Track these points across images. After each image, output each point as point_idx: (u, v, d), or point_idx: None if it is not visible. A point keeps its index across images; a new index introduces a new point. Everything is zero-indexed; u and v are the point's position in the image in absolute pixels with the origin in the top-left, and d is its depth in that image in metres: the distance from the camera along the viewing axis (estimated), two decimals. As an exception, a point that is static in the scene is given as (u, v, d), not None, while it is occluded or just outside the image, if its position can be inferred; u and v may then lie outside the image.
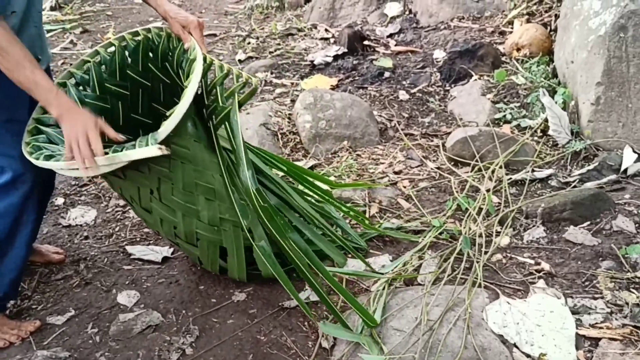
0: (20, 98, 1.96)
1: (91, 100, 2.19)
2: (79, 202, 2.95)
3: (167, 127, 1.80)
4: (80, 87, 2.20)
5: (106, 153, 1.79)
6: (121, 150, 1.78)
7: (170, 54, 2.19)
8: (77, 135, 1.77)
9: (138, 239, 2.65)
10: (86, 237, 2.68)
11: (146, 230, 2.70)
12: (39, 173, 1.97)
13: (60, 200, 2.94)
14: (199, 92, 2.03)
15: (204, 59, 2.01)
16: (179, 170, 1.98)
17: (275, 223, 2.01)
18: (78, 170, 1.84)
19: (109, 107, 2.25)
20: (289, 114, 3.65)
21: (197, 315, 2.18)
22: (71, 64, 3.41)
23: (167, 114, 1.83)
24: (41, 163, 1.86)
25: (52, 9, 5.99)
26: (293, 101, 3.80)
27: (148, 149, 1.74)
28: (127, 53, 2.26)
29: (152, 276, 2.40)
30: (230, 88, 2.02)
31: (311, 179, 2.56)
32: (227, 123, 2.04)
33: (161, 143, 1.77)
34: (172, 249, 2.55)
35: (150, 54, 2.26)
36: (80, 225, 2.77)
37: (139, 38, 2.24)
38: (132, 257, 2.52)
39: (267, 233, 2.06)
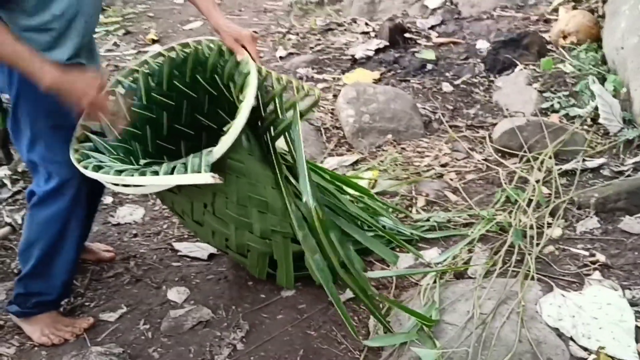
0: (67, 107, 1.99)
1: (138, 109, 2.20)
2: (127, 200, 2.99)
3: (224, 144, 1.79)
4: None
5: (156, 172, 1.79)
6: (171, 172, 1.77)
7: (220, 66, 2.19)
8: (80, 99, 1.83)
9: (185, 236, 2.67)
10: (135, 235, 2.71)
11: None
12: (86, 179, 1.99)
13: (108, 199, 2.98)
14: (254, 105, 2.02)
15: (259, 72, 2.01)
16: (233, 184, 1.99)
17: (330, 239, 2.00)
18: (129, 187, 1.88)
19: (155, 117, 2.26)
20: (332, 109, 3.63)
21: (246, 311, 2.18)
22: (116, 66, 3.48)
23: (225, 129, 1.81)
24: (90, 173, 1.88)
25: (103, 10, 6.09)
26: (335, 96, 3.78)
27: (201, 176, 1.71)
28: (175, 65, 2.26)
29: (201, 272, 2.42)
30: (290, 99, 2.01)
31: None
32: (287, 135, 2.04)
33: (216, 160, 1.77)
34: (219, 246, 2.57)
35: (199, 67, 2.26)
36: (129, 223, 2.80)
37: (189, 50, 2.25)
38: (179, 253, 2.55)
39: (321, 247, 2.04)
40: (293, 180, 2.14)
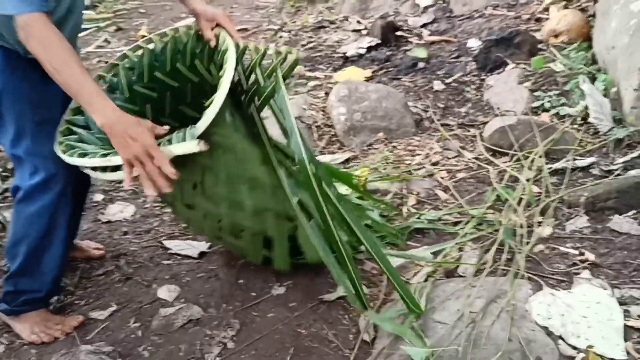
0: (55, 98, 1.98)
1: (121, 103, 2.16)
2: (118, 197, 2.98)
3: (207, 117, 1.76)
4: (110, 91, 2.19)
5: None
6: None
7: (200, 50, 2.19)
8: (136, 154, 1.67)
9: (176, 234, 2.67)
10: (125, 233, 2.70)
11: (184, 225, 2.71)
12: (73, 173, 1.98)
13: (99, 197, 2.97)
14: (235, 81, 2.00)
15: (237, 46, 1.99)
16: (220, 160, 1.97)
17: (327, 194, 1.99)
18: (110, 172, 1.83)
19: (138, 110, 2.23)
20: (323, 107, 3.63)
21: (237, 309, 2.18)
22: (106, 62, 3.45)
23: (206, 104, 1.79)
24: (74, 160, 1.85)
25: (86, 7, 6.06)
26: (327, 94, 3.78)
27: (187, 144, 1.70)
28: (154, 55, 2.25)
29: (192, 270, 2.41)
30: (270, 66, 1.99)
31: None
32: (273, 100, 2.03)
33: (201, 136, 1.74)
34: (209, 244, 2.56)
35: (178, 54, 2.25)
36: (120, 220, 2.79)
37: (167, 39, 2.24)
38: (170, 251, 2.54)
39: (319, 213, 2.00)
40: (282, 158, 2.14)
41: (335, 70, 4.27)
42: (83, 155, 1.87)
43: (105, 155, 1.82)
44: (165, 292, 2.29)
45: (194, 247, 2.53)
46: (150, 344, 2.06)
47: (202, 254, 2.50)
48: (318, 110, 3.60)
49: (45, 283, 2.12)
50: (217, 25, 2.09)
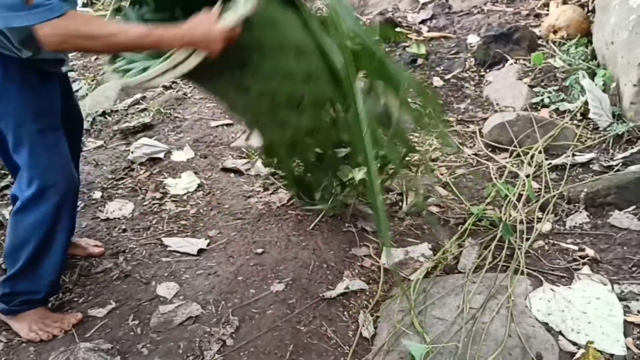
0: (53, 107, 1.97)
1: (150, 16, 2.12)
2: (116, 195, 2.97)
3: None
4: (136, 7, 2.15)
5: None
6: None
7: None
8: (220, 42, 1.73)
9: (175, 231, 2.65)
10: (124, 230, 2.69)
11: (183, 222, 2.71)
12: (70, 182, 1.98)
13: (97, 194, 2.96)
14: None
15: None
16: (263, 33, 1.92)
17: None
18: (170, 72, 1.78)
19: (168, 19, 2.13)
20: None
21: (236, 307, 2.17)
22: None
23: None
24: (149, 74, 1.79)
25: (85, 5, 6.04)
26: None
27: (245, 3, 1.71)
28: None
29: (190, 268, 2.40)
30: None
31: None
32: None
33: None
34: (207, 241, 2.55)
35: None
36: (118, 218, 2.78)
37: None
38: (169, 249, 2.53)
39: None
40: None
41: (334, 66, 4.25)
42: (144, 69, 1.84)
43: (166, 57, 1.79)
44: (164, 289, 2.28)
45: (192, 244, 2.52)
46: (149, 341, 2.05)
47: (200, 251, 2.48)
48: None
49: (43, 285, 2.11)
50: None
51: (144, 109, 3.79)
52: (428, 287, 2.15)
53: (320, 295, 2.20)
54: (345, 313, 2.14)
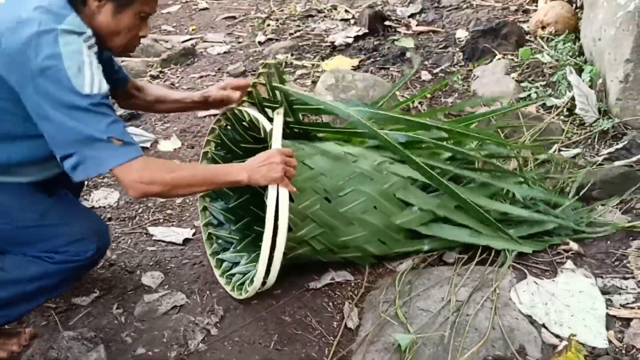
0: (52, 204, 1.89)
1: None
2: (102, 184, 2.96)
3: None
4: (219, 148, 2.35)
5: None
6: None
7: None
8: (280, 165, 1.87)
9: (161, 221, 2.65)
10: (109, 219, 2.67)
11: (169, 211, 2.70)
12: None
13: (83, 183, 2.94)
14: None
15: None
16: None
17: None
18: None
19: None
20: (310, 96, 3.61)
21: (221, 296, 2.17)
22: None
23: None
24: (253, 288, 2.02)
25: None
26: (314, 82, 3.77)
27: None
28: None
29: (176, 257, 2.40)
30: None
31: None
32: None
33: None
34: (193, 230, 2.54)
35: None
36: (104, 207, 2.77)
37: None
38: (154, 238, 2.52)
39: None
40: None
41: (322, 59, 4.25)
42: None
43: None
44: (149, 278, 2.27)
45: (178, 233, 2.52)
46: (133, 330, 2.04)
47: (186, 241, 2.48)
48: (305, 98, 3.57)
49: (9, 317, 1.92)
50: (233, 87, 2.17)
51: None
52: (413, 279, 2.15)
53: (306, 286, 2.21)
54: (330, 304, 2.14)
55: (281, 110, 2.07)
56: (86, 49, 1.64)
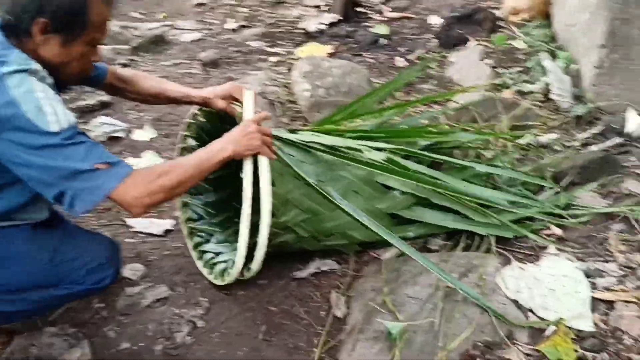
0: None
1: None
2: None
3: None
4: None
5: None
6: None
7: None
8: (258, 140, 1.86)
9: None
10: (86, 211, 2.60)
11: (147, 202, 2.64)
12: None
13: (56, 174, 2.86)
14: None
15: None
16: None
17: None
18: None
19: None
20: (286, 83, 3.58)
21: (205, 288, 2.13)
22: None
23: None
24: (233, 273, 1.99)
25: None
26: (289, 70, 3.74)
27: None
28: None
29: (157, 249, 2.35)
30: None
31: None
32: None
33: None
34: (173, 221, 2.50)
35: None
36: (79, 199, 2.70)
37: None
38: (133, 229, 2.47)
39: None
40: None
41: (296, 46, 4.21)
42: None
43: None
44: (130, 271, 2.21)
45: (158, 225, 2.46)
46: (116, 324, 1.99)
47: (167, 232, 2.43)
48: (281, 86, 3.54)
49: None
50: (232, 98, 2.08)
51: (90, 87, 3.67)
52: (400, 266, 2.15)
53: (291, 275, 2.18)
54: (317, 293, 2.12)
55: (252, 92, 2.04)
56: (38, 84, 1.55)
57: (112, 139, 3.13)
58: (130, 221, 2.49)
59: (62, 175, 1.54)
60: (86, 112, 3.37)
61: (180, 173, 1.71)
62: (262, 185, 1.88)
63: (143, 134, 3.19)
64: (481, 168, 2.40)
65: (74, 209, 1.58)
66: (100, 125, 3.19)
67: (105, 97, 3.47)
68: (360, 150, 2.18)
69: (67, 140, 1.54)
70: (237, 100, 2.06)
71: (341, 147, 2.17)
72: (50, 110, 1.52)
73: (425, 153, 2.33)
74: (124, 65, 4.01)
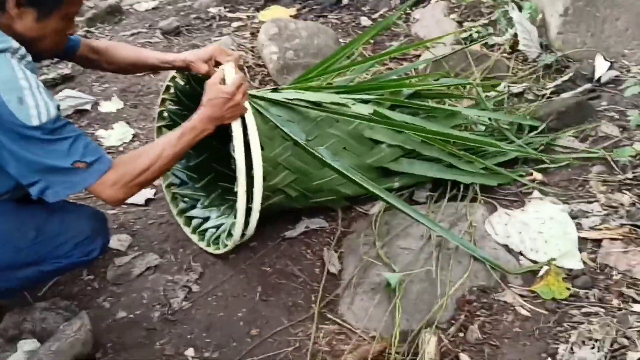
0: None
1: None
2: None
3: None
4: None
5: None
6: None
7: None
8: (236, 101, 1.81)
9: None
10: (60, 185, 2.53)
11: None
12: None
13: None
14: None
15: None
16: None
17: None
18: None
19: None
20: (252, 47, 3.52)
21: (196, 253, 2.11)
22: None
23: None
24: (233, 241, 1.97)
25: None
26: (253, 34, 3.67)
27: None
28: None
29: (140, 218, 2.30)
30: None
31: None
32: None
33: None
34: (154, 190, 2.45)
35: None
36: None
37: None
38: (113, 201, 2.41)
39: None
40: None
41: (257, 10, 4.13)
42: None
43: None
44: (116, 241, 2.17)
45: (138, 194, 2.37)
46: (109, 294, 1.96)
47: (149, 201, 2.39)
48: (247, 50, 3.48)
49: None
50: (215, 61, 2.01)
51: (61, 60, 3.55)
52: (390, 220, 2.16)
53: (281, 235, 2.17)
54: (309, 251, 2.12)
55: (236, 56, 2.00)
56: (18, 67, 1.50)
57: (79, 112, 3.05)
58: (109, 193, 2.43)
59: (40, 169, 1.53)
60: (48, 87, 3.25)
61: (160, 166, 1.70)
62: (253, 152, 1.85)
63: (110, 106, 3.11)
64: (469, 112, 2.41)
65: (45, 196, 1.57)
66: (65, 99, 3.09)
67: (66, 70, 3.37)
68: (345, 105, 2.17)
69: (49, 135, 1.51)
70: (219, 63, 2.01)
71: (326, 102, 2.15)
72: (32, 102, 1.48)
73: (412, 101, 2.32)
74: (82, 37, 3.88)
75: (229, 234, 1.97)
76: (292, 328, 1.84)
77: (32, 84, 1.50)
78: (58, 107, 1.55)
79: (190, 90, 2.20)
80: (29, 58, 1.58)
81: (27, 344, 1.74)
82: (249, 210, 1.90)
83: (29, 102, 1.47)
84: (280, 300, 1.93)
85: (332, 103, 2.15)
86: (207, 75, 2.01)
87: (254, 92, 2.03)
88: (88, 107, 3.09)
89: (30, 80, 1.51)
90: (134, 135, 2.84)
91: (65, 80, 3.33)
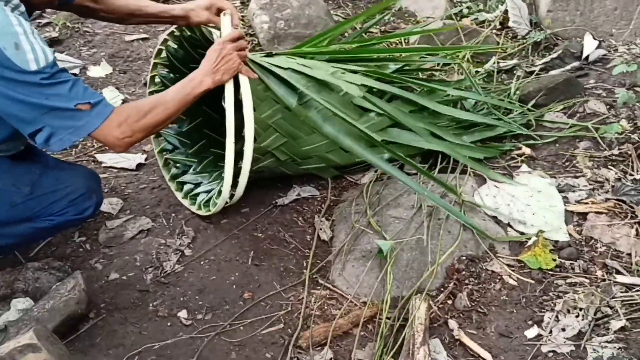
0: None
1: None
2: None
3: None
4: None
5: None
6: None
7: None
8: (234, 60, 1.82)
9: (106, 147, 2.52)
10: (50, 149, 2.52)
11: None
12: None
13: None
14: None
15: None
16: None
17: None
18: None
19: None
20: (242, 16, 3.50)
21: (188, 218, 2.12)
22: None
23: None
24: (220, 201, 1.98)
25: None
26: (244, 3, 3.65)
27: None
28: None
29: (132, 183, 2.30)
30: None
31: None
32: None
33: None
34: (144, 155, 2.45)
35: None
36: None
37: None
38: (104, 165, 2.40)
39: None
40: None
41: (248, -21, 4.10)
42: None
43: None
44: (107, 205, 2.17)
45: (129, 159, 2.41)
46: (101, 256, 1.96)
47: (140, 166, 2.38)
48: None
49: None
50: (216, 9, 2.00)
51: (48, 23, 3.50)
52: (381, 190, 2.18)
53: (273, 202, 2.19)
54: (300, 218, 2.14)
55: (229, 12, 1.98)
56: (12, 15, 1.48)
57: (67, 76, 3.01)
58: (100, 157, 2.43)
59: (44, 112, 1.51)
60: (36, 49, 3.22)
61: (162, 111, 1.69)
62: (245, 112, 1.86)
63: (99, 71, 3.08)
64: (455, 92, 2.43)
65: (50, 145, 1.55)
66: (53, 62, 3.05)
67: (53, 33, 3.32)
68: (335, 72, 2.17)
69: (48, 79, 1.49)
70: (221, 10, 1.98)
71: (317, 72, 2.15)
72: (28, 47, 1.46)
73: (400, 76, 2.34)
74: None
75: (219, 193, 1.98)
76: (284, 292, 1.86)
77: (27, 29, 1.48)
78: (53, 52, 1.54)
79: (183, 54, 2.19)
80: (22, 8, 1.55)
81: (21, 303, 1.74)
82: (238, 171, 1.91)
83: (25, 47, 1.46)
84: (273, 265, 1.95)
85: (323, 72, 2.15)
86: (206, 24, 2.00)
87: (248, 54, 2.03)
88: (76, 71, 3.05)
89: (25, 26, 1.49)
90: (124, 101, 2.82)
91: (53, 43, 3.29)
